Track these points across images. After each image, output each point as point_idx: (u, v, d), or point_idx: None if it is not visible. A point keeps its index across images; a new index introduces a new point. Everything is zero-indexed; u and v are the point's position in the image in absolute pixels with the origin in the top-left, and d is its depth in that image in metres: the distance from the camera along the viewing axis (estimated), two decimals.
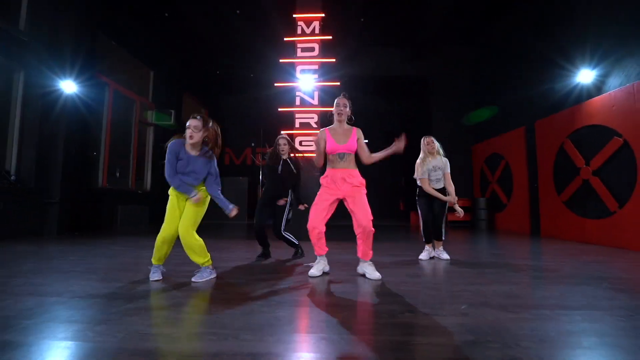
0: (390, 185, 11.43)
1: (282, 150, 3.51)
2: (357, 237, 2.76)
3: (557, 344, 1.49)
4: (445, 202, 3.72)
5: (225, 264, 3.25)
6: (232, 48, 8.43)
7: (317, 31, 5.52)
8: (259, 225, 3.53)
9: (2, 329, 1.57)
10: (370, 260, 2.80)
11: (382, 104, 10.87)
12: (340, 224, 5.37)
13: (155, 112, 8.37)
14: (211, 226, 7.54)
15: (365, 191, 2.82)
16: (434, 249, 3.80)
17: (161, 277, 2.63)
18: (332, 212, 2.84)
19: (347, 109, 2.88)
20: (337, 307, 2.00)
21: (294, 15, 5.51)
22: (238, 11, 7.13)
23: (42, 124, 5.25)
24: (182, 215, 2.62)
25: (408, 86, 10.01)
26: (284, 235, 3.56)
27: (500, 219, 7.74)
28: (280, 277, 2.76)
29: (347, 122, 2.90)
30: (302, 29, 5.54)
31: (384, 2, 7.03)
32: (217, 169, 2.77)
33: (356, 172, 2.84)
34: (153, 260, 2.67)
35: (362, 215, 2.67)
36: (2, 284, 2.38)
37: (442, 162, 3.78)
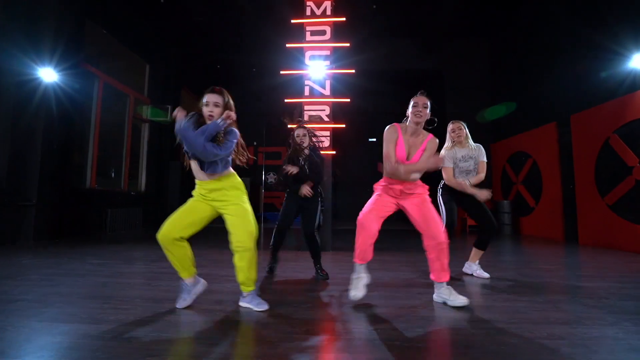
0: None
1: (302, 142, 2.99)
2: (427, 253, 2.17)
3: None
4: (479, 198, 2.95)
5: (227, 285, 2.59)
6: (234, 36, 7.78)
7: (328, 12, 4.87)
8: (283, 227, 3.02)
9: None
10: (447, 283, 2.19)
11: (394, 98, 10.21)
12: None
13: (150, 108, 7.74)
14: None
15: (429, 197, 2.27)
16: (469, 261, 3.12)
17: (189, 302, 2.08)
18: (386, 216, 2.27)
19: (428, 111, 2.24)
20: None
21: None
22: None
23: (17, 117, 4.62)
24: (229, 224, 2.02)
25: (421, 79, 9.32)
26: (315, 237, 2.99)
27: (526, 224, 7.04)
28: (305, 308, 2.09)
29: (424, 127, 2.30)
30: (312, 10, 4.89)
31: None
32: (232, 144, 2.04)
33: (419, 183, 2.30)
34: (181, 275, 2.10)
35: (433, 226, 2.13)
36: None
37: (474, 150, 3.08)
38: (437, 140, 2.33)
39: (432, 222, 2.15)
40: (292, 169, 2.90)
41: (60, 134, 5.16)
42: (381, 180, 2.37)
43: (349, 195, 11.13)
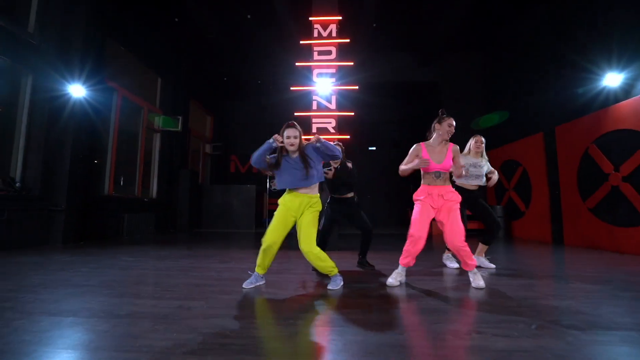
0: (398, 192, 11.28)
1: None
2: (453, 250, 2.73)
3: None
4: (481, 195, 3.69)
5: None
6: (244, 53, 8.30)
7: (334, 34, 5.38)
8: (322, 236, 3.41)
9: (21, 358, 1.34)
10: (475, 269, 2.75)
11: (394, 110, 10.74)
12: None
13: (162, 118, 8.19)
14: (216, 235, 7.29)
15: (458, 207, 2.76)
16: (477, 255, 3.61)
17: (252, 287, 2.59)
18: (429, 224, 2.79)
19: (453, 130, 2.83)
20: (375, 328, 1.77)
21: (311, 18, 5.37)
22: (249, 15, 7.01)
23: (49, 129, 5.05)
24: (298, 231, 2.56)
25: (419, 91, 9.89)
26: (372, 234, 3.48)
27: (518, 227, 7.50)
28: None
29: None
30: (319, 31, 5.40)
31: (396, 7, 6.93)
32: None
33: (451, 188, 2.80)
34: (258, 270, 2.62)
35: (453, 234, 2.65)
36: (10, 300, 2.14)
37: (484, 163, 3.73)
38: (457, 147, 2.87)
39: (453, 230, 2.65)
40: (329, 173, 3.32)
41: (85, 145, 5.58)
42: (419, 190, 2.84)
43: None
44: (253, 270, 2.66)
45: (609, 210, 5.12)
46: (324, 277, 2.94)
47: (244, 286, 2.56)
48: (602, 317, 1.94)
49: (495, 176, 3.79)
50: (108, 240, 5.89)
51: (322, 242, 3.39)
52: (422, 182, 2.85)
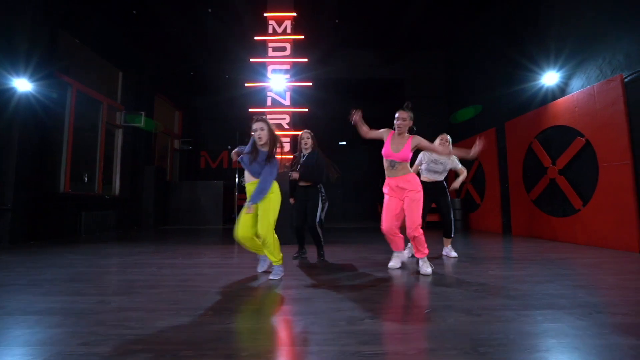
0: (367, 187, 11.51)
1: (305, 145, 3.56)
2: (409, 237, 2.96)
3: (516, 347, 1.44)
4: (447, 195, 3.90)
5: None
6: (205, 48, 8.21)
7: (289, 30, 5.43)
8: (299, 224, 3.62)
9: None
10: (425, 258, 2.96)
11: (363, 104, 10.86)
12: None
13: (124, 114, 8.02)
14: (184, 232, 7.27)
15: (420, 196, 2.92)
16: (408, 251, 3.81)
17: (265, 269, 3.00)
18: (399, 214, 3.01)
19: (408, 122, 2.97)
20: (296, 314, 1.90)
21: (265, 14, 5.39)
22: (210, 9, 6.94)
23: None
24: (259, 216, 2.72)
25: (383, 89, 10.08)
26: (316, 230, 3.53)
27: (474, 219, 7.87)
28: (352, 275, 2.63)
29: (407, 132, 3.01)
30: (274, 28, 5.43)
31: (358, 3, 7.03)
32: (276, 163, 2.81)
33: (411, 176, 2.95)
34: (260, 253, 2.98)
35: (410, 221, 2.87)
36: None
37: (448, 160, 3.91)
38: (419, 137, 3.02)
39: (410, 218, 2.88)
40: (294, 175, 3.51)
41: (34, 141, 5.42)
42: (385, 183, 3.08)
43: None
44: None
45: (547, 202, 5.48)
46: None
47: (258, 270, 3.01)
48: (495, 300, 2.15)
49: (461, 177, 4.01)
50: (63, 239, 5.78)
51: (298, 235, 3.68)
52: (385, 173, 3.06)
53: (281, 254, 2.81)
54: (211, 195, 9.00)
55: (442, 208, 3.87)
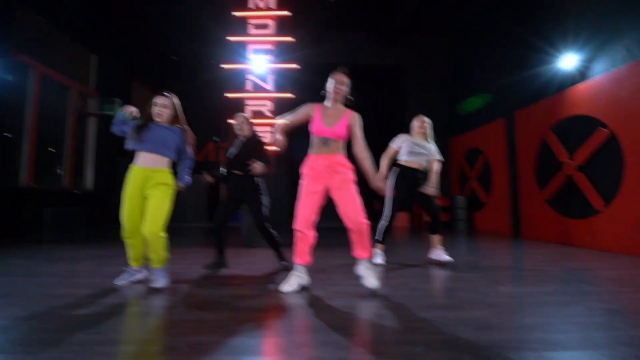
0: (364, 184, 10.80)
1: (241, 129, 3.03)
2: (350, 232, 2.28)
3: None
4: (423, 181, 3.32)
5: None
6: (182, 28, 7.50)
7: (272, 6, 4.76)
8: (219, 222, 2.97)
9: None
10: (369, 261, 2.32)
11: (357, 94, 10.20)
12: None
13: (97, 101, 7.36)
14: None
15: (353, 177, 2.30)
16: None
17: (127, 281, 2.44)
18: (320, 207, 2.33)
19: (345, 88, 2.33)
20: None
21: None
22: None
23: None
24: (147, 209, 2.27)
25: (380, 75, 9.38)
26: (266, 229, 2.98)
27: (479, 219, 7.26)
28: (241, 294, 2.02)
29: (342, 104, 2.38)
30: (255, 2, 4.76)
31: None
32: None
33: (342, 157, 2.32)
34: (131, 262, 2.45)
35: (354, 209, 2.22)
36: None
37: (429, 145, 3.39)
38: (359, 115, 2.37)
39: (351, 204, 2.22)
40: (208, 178, 3.07)
41: None
42: (305, 162, 2.37)
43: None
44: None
45: (563, 202, 4.87)
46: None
47: (116, 282, 2.42)
48: (510, 330, 1.55)
49: (434, 166, 3.39)
50: (21, 239, 5.17)
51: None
52: (309, 150, 2.38)
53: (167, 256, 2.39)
54: (193, 190, 8.37)
55: (423, 196, 3.32)
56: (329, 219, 4.08)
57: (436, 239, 3.35)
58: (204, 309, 1.95)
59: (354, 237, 2.29)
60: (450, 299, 2.18)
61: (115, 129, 2.40)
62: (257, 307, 2.01)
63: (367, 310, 1.96)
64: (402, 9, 7.22)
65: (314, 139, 2.33)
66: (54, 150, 6.47)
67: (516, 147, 5.93)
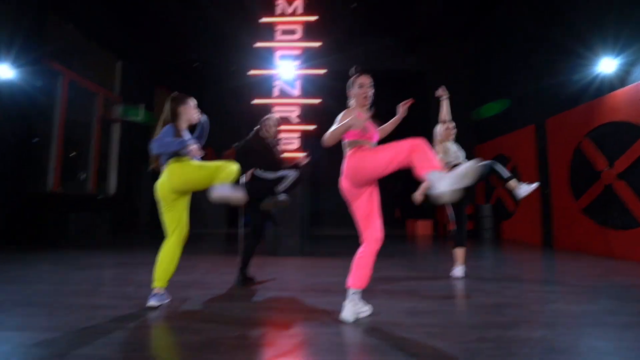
0: (385, 190, 10.61)
1: (267, 131, 3.01)
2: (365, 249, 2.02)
3: None
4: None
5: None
6: (207, 35, 7.59)
7: (299, 11, 4.75)
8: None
9: None
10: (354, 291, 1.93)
11: (378, 100, 10.13)
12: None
13: (122, 107, 7.48)
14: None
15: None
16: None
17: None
18: None
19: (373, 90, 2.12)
20: None
21: None
22: None
23: None
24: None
25: (403, 81, 9.29)
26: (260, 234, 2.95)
27: (507, 228, 7.02)
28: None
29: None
30: (282, 8, 4.76)
31: None
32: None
33: None
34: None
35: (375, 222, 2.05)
36: None
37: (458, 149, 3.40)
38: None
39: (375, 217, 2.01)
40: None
41: (17, 135, 4.88)
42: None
43: (326, 200, 11.02)
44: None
45: (602, 211, 4.64)
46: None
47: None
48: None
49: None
50: (47, 245, 5.23)
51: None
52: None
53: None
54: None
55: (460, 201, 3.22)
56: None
57: (460, 253, 3.18)
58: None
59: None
60: (503, 317, 2.03)
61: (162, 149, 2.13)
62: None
63: (414, 329, 1.82)
64: (425, 15, 7.14)
65: (364, 144, 2.03)
66: (75, 154, 6.56)
67: (548, 154, 5.72)
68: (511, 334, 1.73)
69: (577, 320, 1.99)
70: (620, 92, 4.41)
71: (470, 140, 8.15)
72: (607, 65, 4.57)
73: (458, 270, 3.15)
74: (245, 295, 2.54)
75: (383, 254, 2.20)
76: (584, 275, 3.36)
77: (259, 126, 3.00)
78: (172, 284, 2.43)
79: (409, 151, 1.77)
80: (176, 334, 1.78)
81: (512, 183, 3.10)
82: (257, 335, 1.74)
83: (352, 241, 2.59)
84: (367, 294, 2.16)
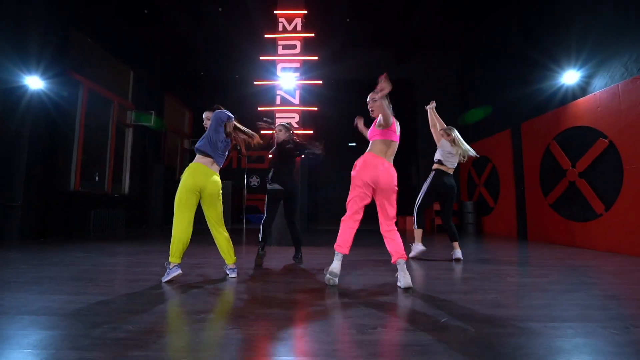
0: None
1: (278, 138, 3.60)
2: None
3: None
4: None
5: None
6: (214, 47, 8.20)
7: (299, 28, 5.34)
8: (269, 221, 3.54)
9: None
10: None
11: (365, 107, 10.75)
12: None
13: (134, 113, 8.05)
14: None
15: None
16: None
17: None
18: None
19: (371, 104, 2.75)
20: (303, 320, 1.78)
21: (275, 12, 5.32)
22: (220, 8, 6.91)
23: (4, 122, 4.91)
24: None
25: (393, 89, 9.87)
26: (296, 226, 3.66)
27: (487, 223, 7.63)
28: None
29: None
30: (284, 25, 5.35)
31: (369, 2, 6.91)
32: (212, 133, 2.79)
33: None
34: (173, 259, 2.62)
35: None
36: None
37: (461, 150, 3.85)
38: None
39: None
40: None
41: (45, 139, 5.44)
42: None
43: (326, 199, 11.60)
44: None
45: (566, 206, 5.24)
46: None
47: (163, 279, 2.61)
48: (517, 309, 1.99)
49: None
50: (72, 237, 5.79)
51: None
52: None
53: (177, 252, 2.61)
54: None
55: (446, 204, 3.96)
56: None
57: (456, 243, 3.82)
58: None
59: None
60: (465, 286, 2.60)
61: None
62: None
63: (400, 297, 2.41)
64: (413, 29, 7.75)
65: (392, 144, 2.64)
66: (90, 157, 7.12)
67: (522, 155, 6.33)
68: (469, 297, 2.24)
69: (525, 287, 2.55)
70: (582, 101, 5.02)
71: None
72: (570, 77, 5.19)
73: (457, 253, 3.75)
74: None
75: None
76: (544, 259, 3.94)
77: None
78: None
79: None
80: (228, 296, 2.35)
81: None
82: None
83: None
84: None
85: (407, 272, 2.46)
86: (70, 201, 6.09)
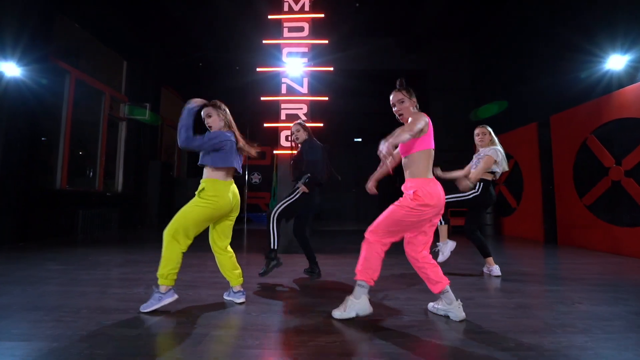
0: (383, 187, 10.64)
1: (297, 138, 3.19)
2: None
3: None
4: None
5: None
6: (213, 32, 7.60)
7: (307, 8, 4.75)
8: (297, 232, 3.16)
9: None
10: (360, 283, 1.97)
11: (376, 98, 10.18)
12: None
13: (128, 106, 7.50)
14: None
15: (397, 203, 2.02)
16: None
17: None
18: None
19: (403, 105, 2.17)
20: None
21: None
22: None
23: None
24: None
25: (404, 79, 9.30)
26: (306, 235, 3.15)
27: (508, 224, 7.05)
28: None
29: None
30: (290, 5, 4.76)
31: None
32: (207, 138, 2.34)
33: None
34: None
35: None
36: None
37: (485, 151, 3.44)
38: None
39: None
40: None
41: (24, 132, 4.89)
42: (429, 185, 2.01)
43: (332, 198, 11.04)
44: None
45: (608, 208, 4.66)
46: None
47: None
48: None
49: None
50: (58, 240, 5.26)
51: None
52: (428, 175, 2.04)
53: (170, 271, 2.06)
54: None
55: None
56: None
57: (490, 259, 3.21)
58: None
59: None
60: (533, 320, 1.99)
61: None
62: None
63: (453, 336, 1.82)
64: (426, 15, 7.13)
65: (431, 156, 2.06)
66: (81, 153, 6.59)
67: (552, 151, 5.73)
68: (548, 341, 1.65)
69: (610, 323, 1.91)
70: (629, 89, 4.41)
71: (471, 139, 8.15)
72: (615, 62, 4.57)
73: (496, 269, 3.15)
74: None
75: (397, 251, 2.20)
76: (599, 273, 3.35)
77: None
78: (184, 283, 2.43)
79: None
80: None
81: None
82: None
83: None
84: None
85: (455, 300, 1.93)
86: (55, 200, 5.56)
